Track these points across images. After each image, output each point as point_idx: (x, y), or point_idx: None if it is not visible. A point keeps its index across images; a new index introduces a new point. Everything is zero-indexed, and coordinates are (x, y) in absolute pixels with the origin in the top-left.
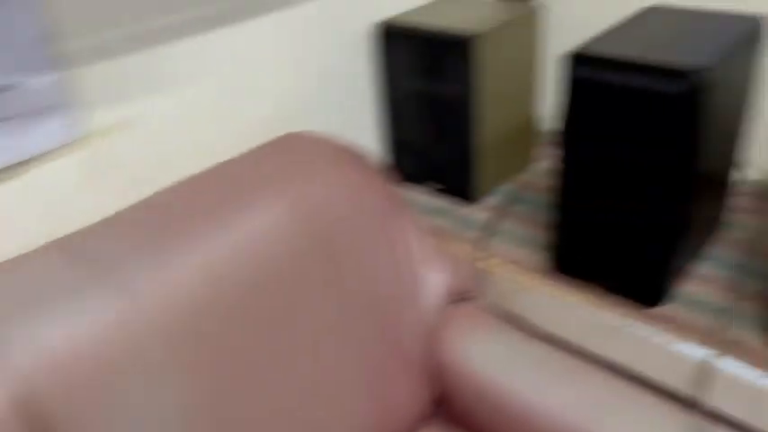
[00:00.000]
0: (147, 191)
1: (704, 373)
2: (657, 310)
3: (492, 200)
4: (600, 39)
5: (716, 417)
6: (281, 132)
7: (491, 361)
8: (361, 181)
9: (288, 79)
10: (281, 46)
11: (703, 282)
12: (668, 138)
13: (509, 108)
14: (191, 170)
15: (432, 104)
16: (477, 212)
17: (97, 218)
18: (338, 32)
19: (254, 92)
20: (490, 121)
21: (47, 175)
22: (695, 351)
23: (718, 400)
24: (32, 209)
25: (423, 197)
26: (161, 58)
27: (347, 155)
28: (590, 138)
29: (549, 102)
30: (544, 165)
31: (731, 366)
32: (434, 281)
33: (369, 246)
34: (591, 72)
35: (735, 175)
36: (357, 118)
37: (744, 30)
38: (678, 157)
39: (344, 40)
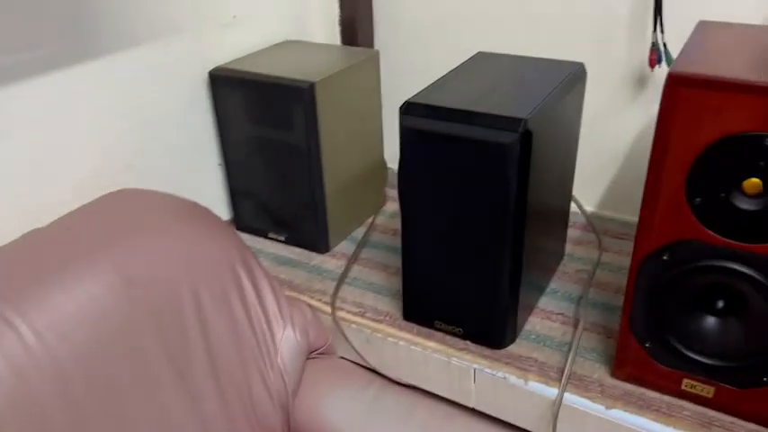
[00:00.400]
0: None
1: (555, 410)
2: (506, 350)
3: (344, 247)
4: (433, 87)
5: None
6: (112, 188)
7: (351, 416)
8: (201, 238)
9: (118, 131)
10: (108, 96)
11: (548, 317)
12: (500, 184)
13: (355, 152)
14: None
15: (273, 153)
16: (329, 261)
17: None
18: (172, 81)
19: (79, 147)
20: (335, 167)
21: None
22: (546, 389)
23: None
24: None
25: (271, 249)
26: None
27: (186, 211)
28: (424, 185)
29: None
30: (396, 206)
31: (578, 402)
32: (289, 335)
33: (214, 307)
34: (422, 122)
35: (570, 209)
36: (197, 169)
37: (567, 74)
38: (510, 202)
39: (178, 89)
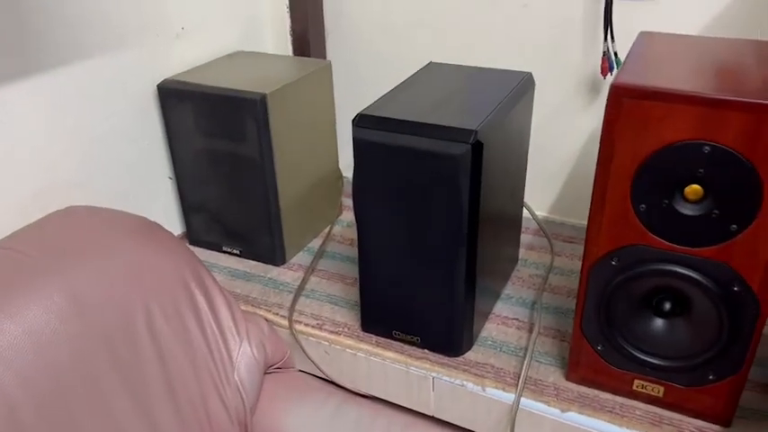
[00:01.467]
0: None
1: (512, 414)
2: (464, 357)
3: (301, 258)
4: (385, 99)
5: None
6: (59, 205)
7: (309, 429)
8: (152, 255)
9: (64, 146)
10: (53, 111)
11: (503, 322)
12: (452, 194)
13: (309, 163)
14: None
15: (225, 166)
16: (285, 274)
17: None
18: (119, 94)
19: (23, 164)
20: (289, 178)
21: None
22: (503, 394)
23: None
24: None
25: (226, 262)
26: None
27: (135, 227)
28: (378, 196)
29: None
30: (352, 216)
31: (534, 406)
32: (246, 351)
33: (168, 325)
34: (374, 134)
35: (522, 215)
36: (148, 183)
37: (517, 84)
38: (463, 211)
39: (126, 102)
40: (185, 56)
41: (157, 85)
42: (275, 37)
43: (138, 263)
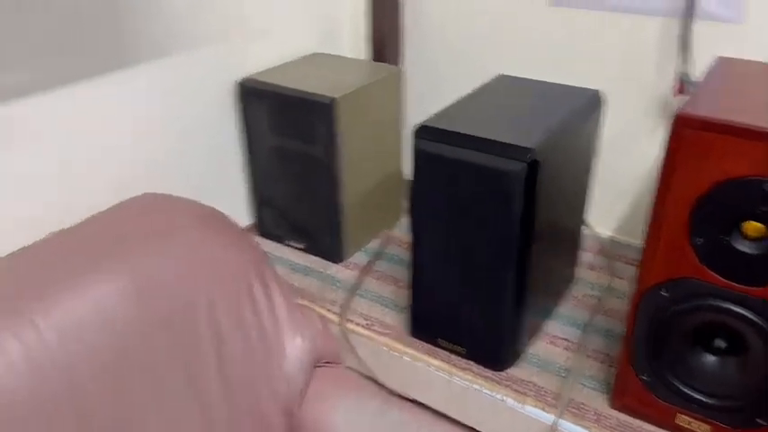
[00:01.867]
0: None
1: None
2: (507, 373)
3: (359, 258)
4: (448, 110)
5: None
6: (138, 193)
7: (354, 427)
8: (219, 243)
9: (147, 137)
10: (140, 103)
11: (552, 341)
12: (506, 210)
13: (374, 166)
14: (37, 233)
15: (294, 164)
16: (343, 272)
17: None
18: (200, 90)
19: (110, 150)
20: (354, 180)
21: None
22: (543, 414)
23: None
24: None
25: (289, 256)
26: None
27: (204, 217)
28: (434, 206)
29: None
30: None
31: (573, 429)
32: (298, 344)
33: (226, 313)
34: (433, 145)
35: (583, 233)
36: (222, 176)
37: (583, 102)
38: (516, 227)
39: (207, 98)
40: (265, 55)
41: (238, 83)
42: (352, 40)
43: (204, 252)
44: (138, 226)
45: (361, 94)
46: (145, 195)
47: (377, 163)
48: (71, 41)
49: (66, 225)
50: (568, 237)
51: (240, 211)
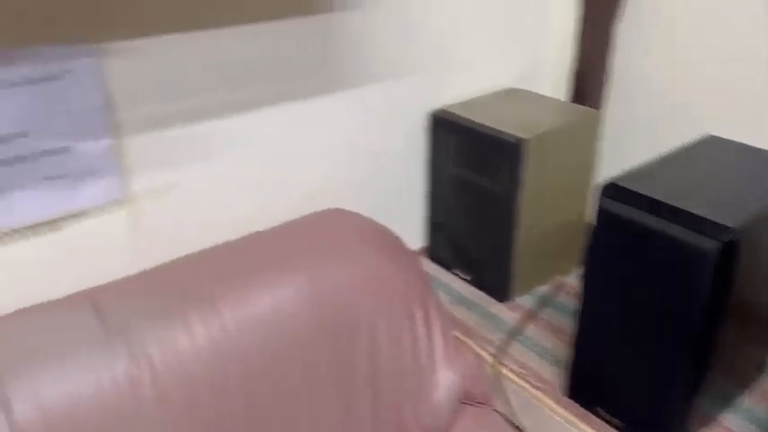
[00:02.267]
0: (181, 253)
1: None
2: None
3: (525, 300)
4: (642, 169)
5: None
6: (325, 206)
7: None
8: (390, 265)
9: (340, 156)
10: (339, 124)
11: None
12: (694, 288)
13: (556, 209)
14: (228, 236)
15: (473, 196)
16: (506, 312)
17: (126, 274)
18: (396, 116)
19: (305, 164)
20: (532, 220)
21: (88, 230)
22: None
23: None
24: (69, 260)
25: (453, 285)
26: (212, 130)
27: (381, 236)
28: (610, 267)
29: None
30: None
31: None
32: (449, 377)
33: (386, 332)
34: (619, 206)
35: None
36: (401, 197)
37: None
38: (702, 307)
39: (400, 124)
40: (461, 87)
41: (431, 113)
42: (553, 78)
43: (376, 270)
44: (321, 237)
45: (553, 135)
46: (331, 210)
47: (560, 206)
48: (290, 66)
49: (262, 227)
50: (764, 321)
51: (413, 233)
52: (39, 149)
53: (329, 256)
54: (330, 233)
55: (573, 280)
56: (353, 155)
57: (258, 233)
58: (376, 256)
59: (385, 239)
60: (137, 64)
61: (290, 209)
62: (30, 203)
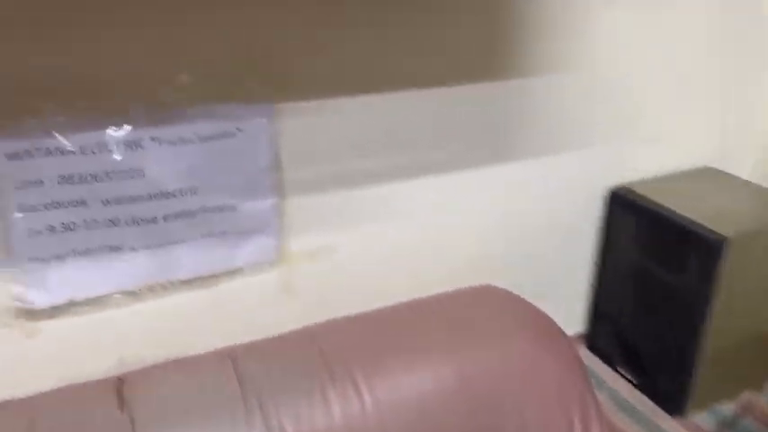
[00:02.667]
0: (329, 316)
1: None
2: None
3: (704, 419)
4: None
5: None
6: (480, 279)
7: None
8: (549, 361)
9: (501, 228)
10: (506, 194)
11: None
12: None
13: (756, 315)
14: (377, 304)
15: (652, 288)
16: (679, 430)
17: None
18: (568, 190)
19: (461, 235)
20: (725, 327)
21: (240, 287)
22: None
23: None
24: (218, 314)
25: (616, 386)
26: (373, 195)
27: (542, 324)
28: None
29: None
30: None
31: None
32: None
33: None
34: None
35: None
36: (563, 277)
37: None
38: None
39: (572, 199)
40: (647, 162)
41: (611, 190)
42: (755, 158)
43: (532, 363)
44: (473, 317)
45: (762, 234)
46: (484, 287)
47: (760, 312)
48: (461, 133)
49: (413, 296)
50: None
51: (571, 318)
52: (205, 206)
53: (480, 340)
54: (483, 313)
55: (764, 399)
56: (518, 227)
57: (408, 305)
58: (533, 347)
59: (545, 329)
60: (306, 125)
61: (442, 280)
62: (189, 259)
